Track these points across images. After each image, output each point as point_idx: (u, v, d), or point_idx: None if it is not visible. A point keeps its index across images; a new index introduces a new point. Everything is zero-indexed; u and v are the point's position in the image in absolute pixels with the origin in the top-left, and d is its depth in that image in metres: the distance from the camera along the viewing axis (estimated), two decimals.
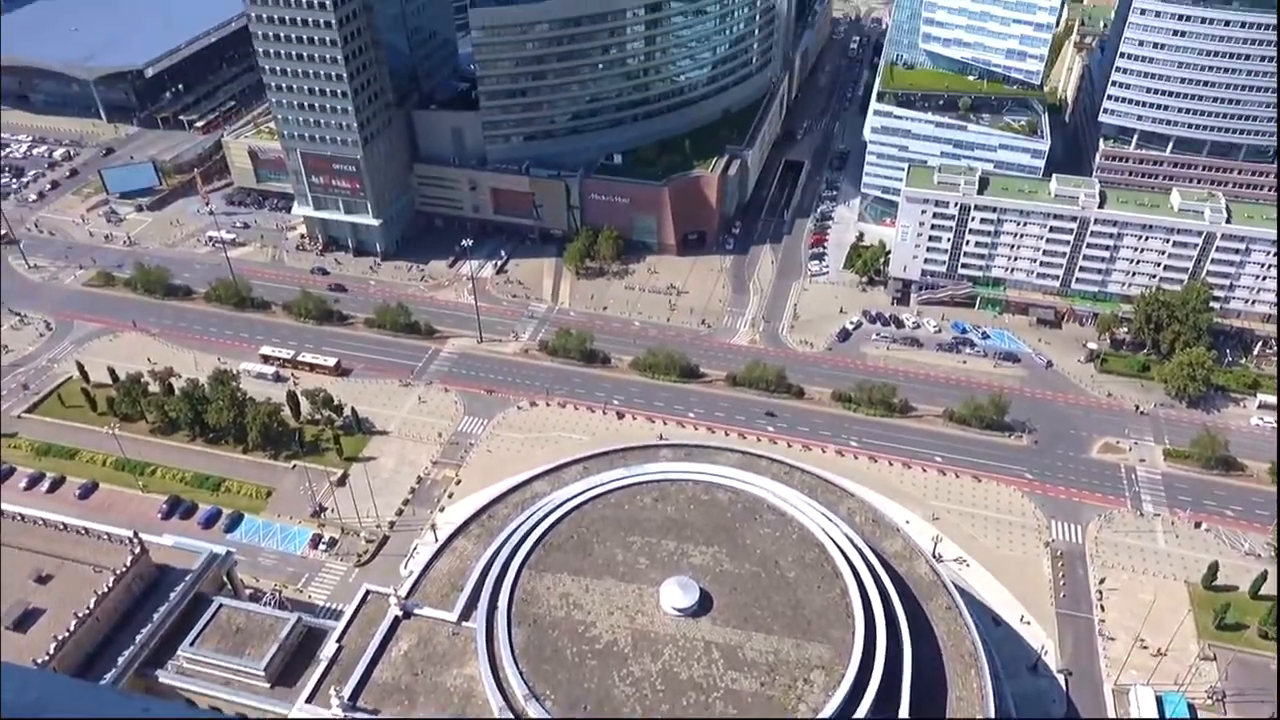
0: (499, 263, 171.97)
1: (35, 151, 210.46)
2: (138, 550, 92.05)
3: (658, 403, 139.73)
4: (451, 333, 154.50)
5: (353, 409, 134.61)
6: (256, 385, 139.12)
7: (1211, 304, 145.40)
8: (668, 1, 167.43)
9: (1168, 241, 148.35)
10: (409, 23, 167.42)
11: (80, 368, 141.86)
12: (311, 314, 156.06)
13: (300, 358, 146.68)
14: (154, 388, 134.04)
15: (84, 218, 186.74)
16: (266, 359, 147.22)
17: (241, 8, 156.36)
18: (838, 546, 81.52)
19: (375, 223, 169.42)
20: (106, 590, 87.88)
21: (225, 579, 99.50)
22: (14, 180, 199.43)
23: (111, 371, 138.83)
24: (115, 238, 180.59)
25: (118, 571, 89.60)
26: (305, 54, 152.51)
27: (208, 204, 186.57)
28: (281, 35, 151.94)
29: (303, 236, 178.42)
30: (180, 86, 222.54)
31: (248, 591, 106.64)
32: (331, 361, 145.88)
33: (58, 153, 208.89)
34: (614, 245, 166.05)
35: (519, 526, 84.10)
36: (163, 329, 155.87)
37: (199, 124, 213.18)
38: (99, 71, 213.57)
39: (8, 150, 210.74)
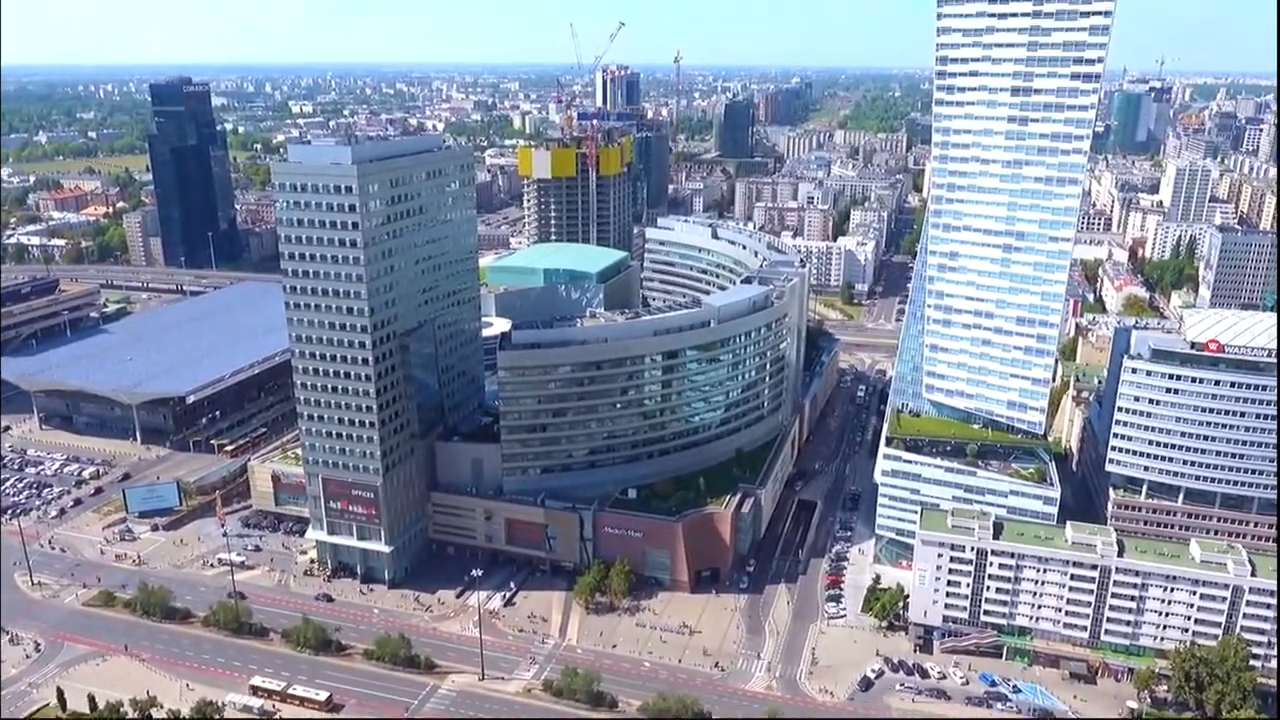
0: (508, 595, 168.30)
1: (66, 470, 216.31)
2: None
3: None
4: (453, 668, 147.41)
5: None
6: None
7: (1252, 663, 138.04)
8: (684, 350, 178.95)
9: (1194, 594, 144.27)
10: (441, 362, 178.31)
11: (60, 694, 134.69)
12: (309, 643, 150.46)
13: (291, 690, 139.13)
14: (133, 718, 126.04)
15: (104, 538, 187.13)
16: (256, 690, 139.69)
17: (286, 344, 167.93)
18: None
19: (387, 549, 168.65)
20: None
21: None
22: (36, 497, 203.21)
23: (91, 700, 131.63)
24: (125, 556, 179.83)
25: None
26: (340, 387, 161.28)
27: (224, 525, 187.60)
28: (320, 370, 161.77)
29: (312, 561, 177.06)
30: (217, 413, 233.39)
31: None
32: (323, 696, 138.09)
33: (87, 472, 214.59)
34: (626, 580, 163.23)
35: None
36: (155, 654, 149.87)
37: (228, 448, 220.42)
38: (142, 397, 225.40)
39: (39, 467, 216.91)
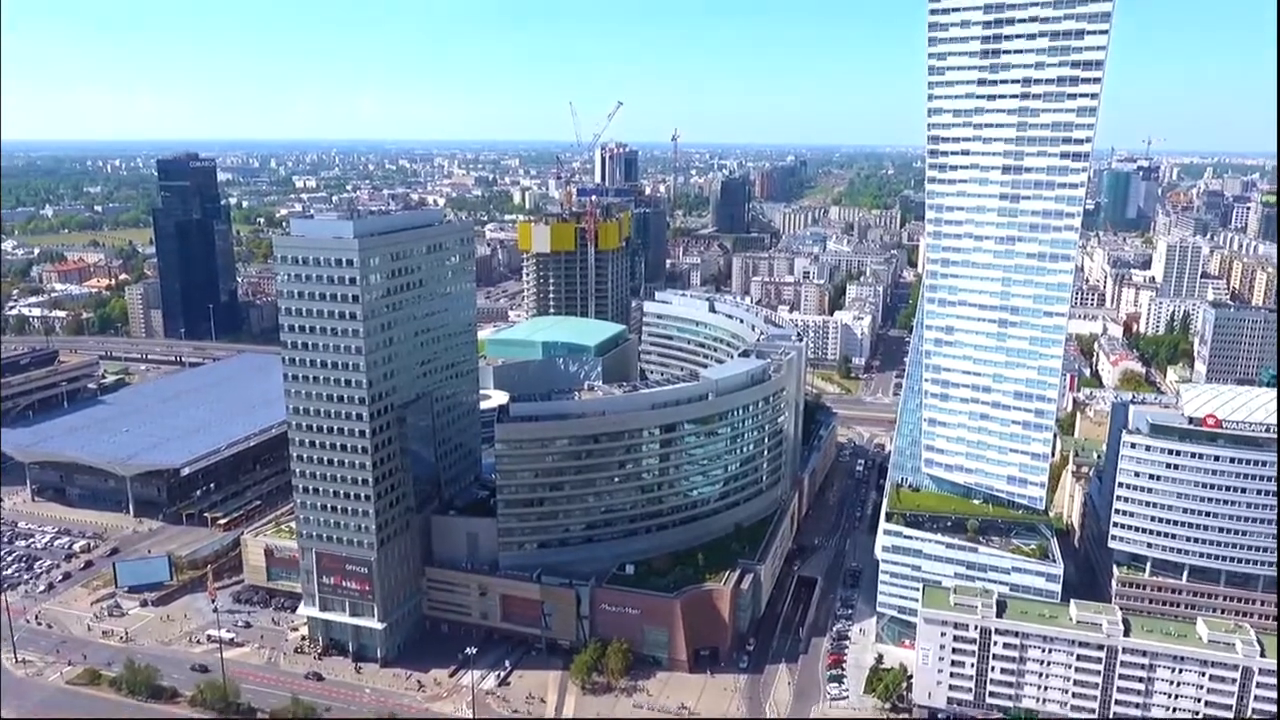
0: (502, 674, 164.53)
1: (57, 543, 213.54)
2: None
3: None
4: None
5: None
6: None
7: None
8: (682, 423, 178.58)
9: (1203, 675, 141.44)
10: (438, 434, 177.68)
11: None
12: None
13: None
14: None
15: (93, 614, 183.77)
16: None
17: (283, 416, 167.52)
18: None
19: (380, 626, 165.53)
20: None
21: None
22: (26, 571, 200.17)
23: None
24: (112, 633, 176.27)
25: None
26: (336, 459, 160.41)
27: (214, 601, 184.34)
28: (316, 442, 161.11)
29: (303, 639, 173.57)
30: (211, 485, 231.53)
31: None
32: None
33: (78, 545, 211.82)
34: (623, 659, 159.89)
35: None
36: None
37: (222, 521, 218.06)
38: (136, 469, 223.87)
39: (30, 540, 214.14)
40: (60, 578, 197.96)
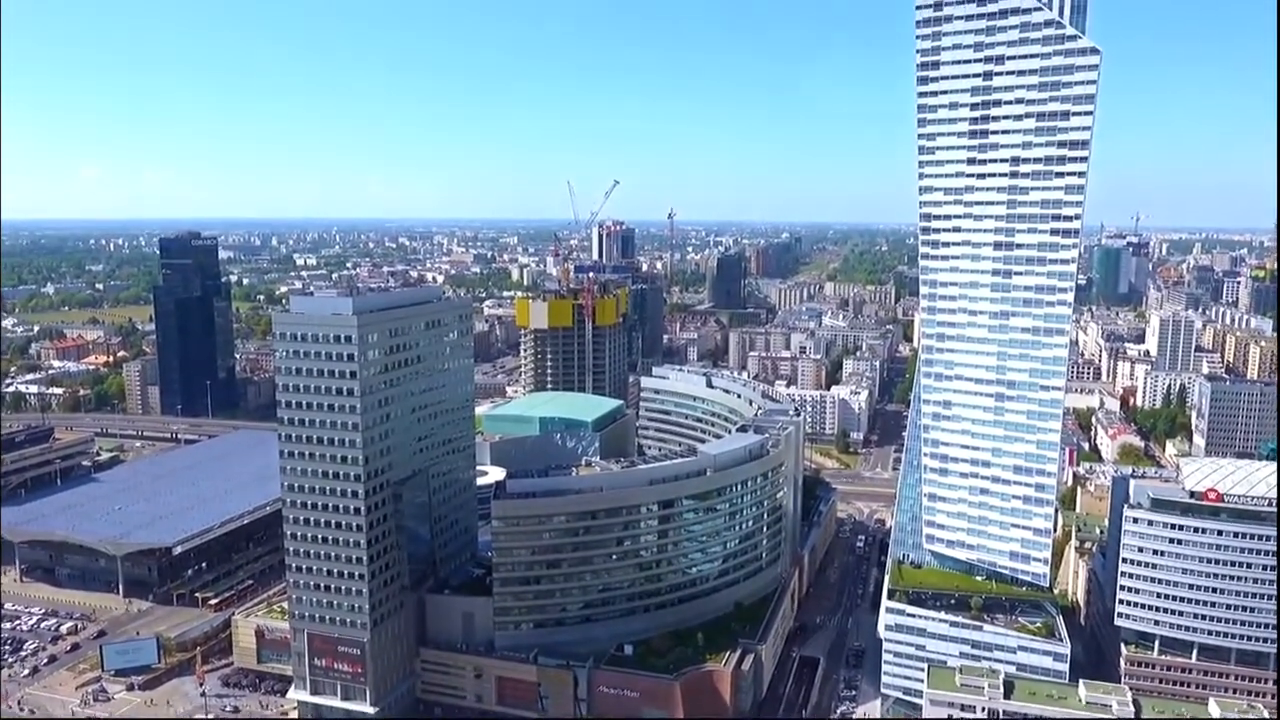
0: None
1: (43, 625, 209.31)
2: None
3: None
4: None
5: None
6: None
7: None
8: (680, 499, 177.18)
9: None
10: (434, 511, 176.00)
11: None
12: None
13: None
14: None
15: (78, 699, 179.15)
16: None
17: (278, 494, 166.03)
18: None
19: (371, 710, 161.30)
20: None
21: None
22: (11, 654, 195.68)
23: None
24: (97, 719, 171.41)
25: None
26: (330, 536, 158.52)
27: (202, 685, 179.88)
28: (311, 519, 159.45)
29: None
30: (203, 564, 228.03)
31: None
32: None
33: (65, 627, 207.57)
34: None
35: None
36: None
37: (213, 601, 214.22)
38: (128, 548, 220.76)
39: (16, 622, 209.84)
40: (46, 661, 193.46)
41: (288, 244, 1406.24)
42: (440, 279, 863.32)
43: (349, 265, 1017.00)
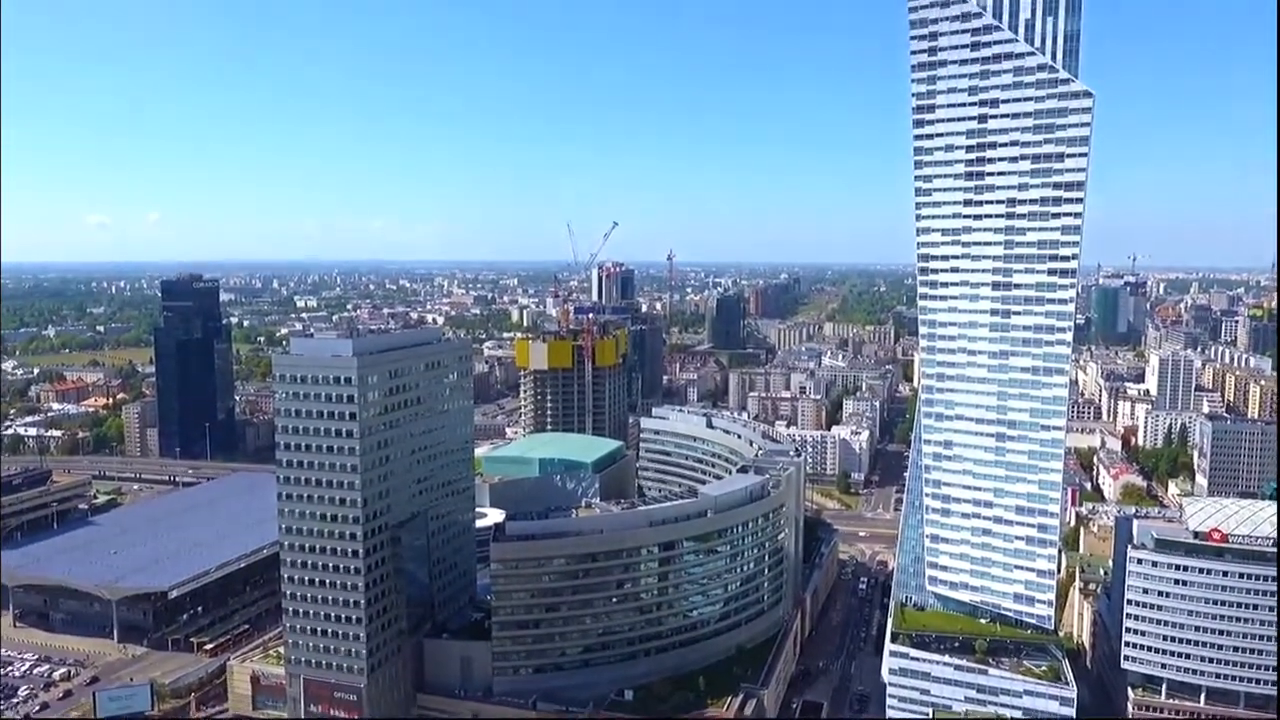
0: None
1: (36, 671, 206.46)
2: None
3: None
4: None
5: None
6: None
7: None
8: (681, 540, 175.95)
9: None
10: (433, 554, 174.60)
11: None
12: None
13: None
14: None
15: None
16: None
17: (275, 537, 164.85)
18: None
19: None
20: None
21: None
22: (4, 702, 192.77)
23: None
24: None
25: None
26: (328, 580, 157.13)
27: None
28: (308, 562, 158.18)
29: None
30: (199, 608, 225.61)
31: None
32: None
33: (58, 673, 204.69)
34: None
35: None
36: None
37: (208, 646, 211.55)
38: (123, 592, 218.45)
39: (8, 669, 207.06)
40: (38, 709, 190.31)
41: (289, 286, 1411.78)
42: (440, 320, 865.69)
43: (349, 307, 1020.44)
